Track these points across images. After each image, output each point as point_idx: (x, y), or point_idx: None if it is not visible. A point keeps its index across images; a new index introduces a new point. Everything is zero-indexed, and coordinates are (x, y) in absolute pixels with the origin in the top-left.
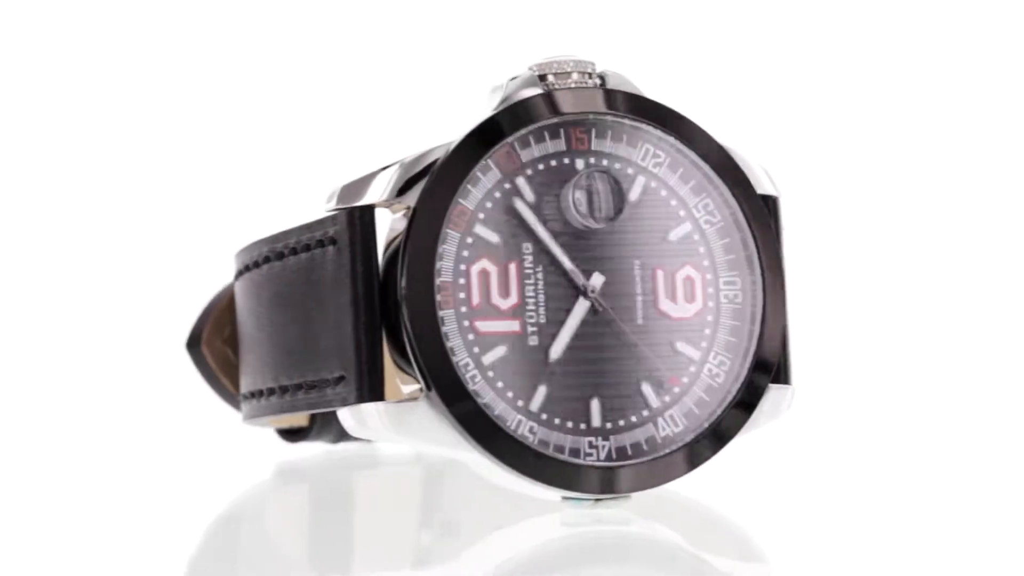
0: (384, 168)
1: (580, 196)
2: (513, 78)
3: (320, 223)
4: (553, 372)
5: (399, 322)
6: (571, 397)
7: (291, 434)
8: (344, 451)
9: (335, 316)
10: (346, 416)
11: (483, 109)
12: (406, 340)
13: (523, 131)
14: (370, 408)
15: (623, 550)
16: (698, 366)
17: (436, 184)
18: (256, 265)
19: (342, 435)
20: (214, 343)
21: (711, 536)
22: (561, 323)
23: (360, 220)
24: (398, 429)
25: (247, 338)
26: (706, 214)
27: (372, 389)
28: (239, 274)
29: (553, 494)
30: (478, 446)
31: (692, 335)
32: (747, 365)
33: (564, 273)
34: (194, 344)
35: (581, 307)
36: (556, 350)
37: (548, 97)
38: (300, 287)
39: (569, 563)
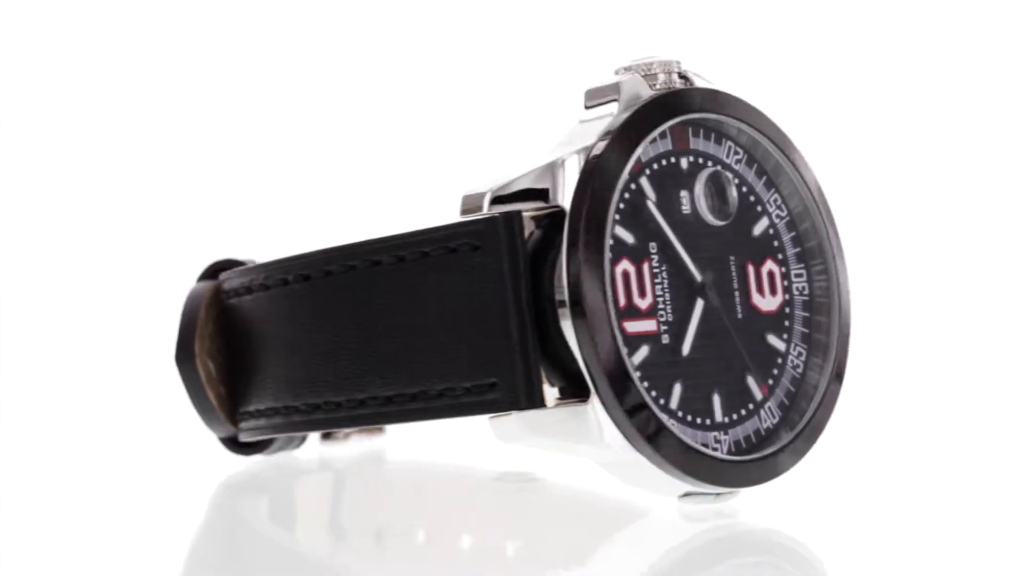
0: (523, 175)
1: (702, 195)
2: (618, 80)
3: (447, 229)
4: (684, 369)
5: (546, 326)
6: (698, 394)
7: (248, 446)
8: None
9: (480, 322)
10: (501, 423)
11: (582, 112)
12: (569, 344)
13: (654, 133)
14: (533, 415)
15: (759, 544)
16: (783, 358)
17: (588, 187)
18: (326, 275)
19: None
20: (203, 357)
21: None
22: (685, 320)
23: (510, 225)
24: (555, 434)
25: (289, 351)
26: (776, 208)
27: (532, 396)
28: (268, 288)
29: (681, 490)
30: (647, 446)
31: (778, 327)
32: (830, 359)
33: (685, 271)
34: (187, 358)
35: (699, 304)
36: (686, 347)
37: (661, 99)
38: (413, 294)
39: (727, 555)
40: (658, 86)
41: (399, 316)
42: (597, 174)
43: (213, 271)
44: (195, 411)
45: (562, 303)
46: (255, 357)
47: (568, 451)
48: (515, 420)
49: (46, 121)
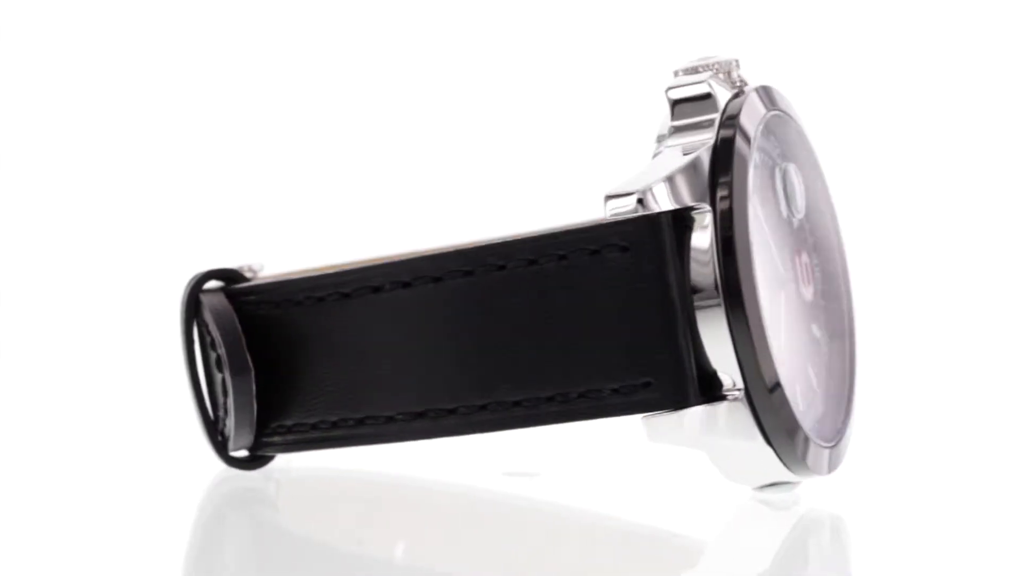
0: (668, 177)
1: (786, 191)
2: (707, 79)
3: (589, 231)
4: (783, 360)
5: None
6: (789, 384)
7: (256, 460)
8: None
9: (632, 323)
10: (658, 422)
11: (664, 110)
12: (710, 342)
13: (756, 131)
14: (691, 413)
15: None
16: (820, 346)
17: (734, 187)
18: (434, 281)
19: None
20: None
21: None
22: (779, 313)
23: (660, 226)
24: (710, 431)
25: (378, 360)
26: (801, 198)
27: (690, 394)
28: (348, 296)
29: (775, 480)
30: (788, 441)
31: (816, 317)
32: (846, 345)
33: (776, 264)
34: (244, 371)
35: (783, 296)
36: (782, 338)
37: (755, 97)
38: (546, 298)
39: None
40: (732, 86)
41: (528, 321)
42: (738, 175)
43: (213, 279)
44: (210, 423)
45: (713, 302)
46: (309, 368)
47: (707, 446)
48: (675, 418)
49: (43, 122)
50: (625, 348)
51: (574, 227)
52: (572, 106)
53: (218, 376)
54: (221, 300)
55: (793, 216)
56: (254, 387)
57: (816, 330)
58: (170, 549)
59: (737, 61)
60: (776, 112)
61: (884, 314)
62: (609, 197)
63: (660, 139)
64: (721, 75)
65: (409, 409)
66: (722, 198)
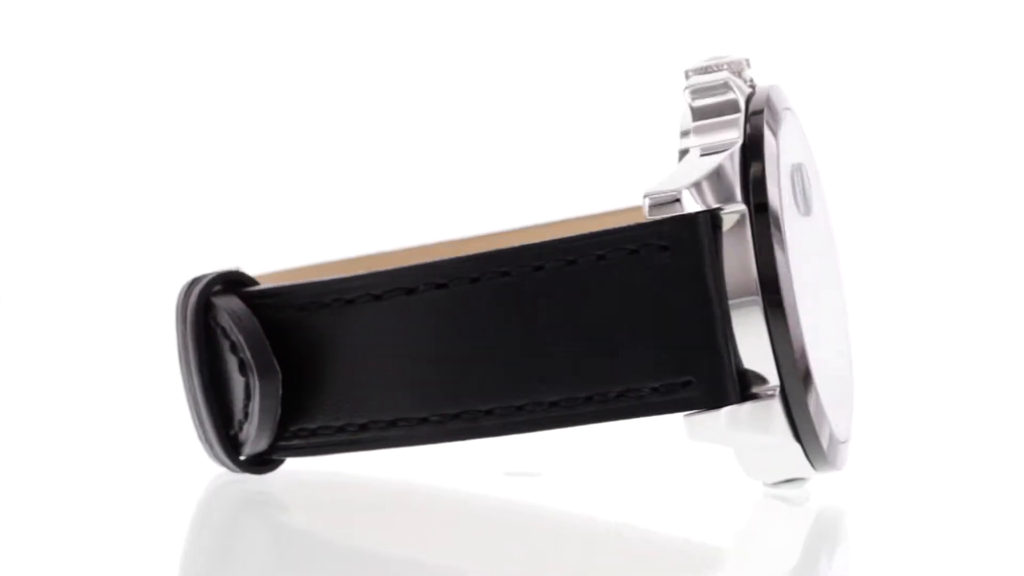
0: (705, 177)
1: (804, 189)
2: (727, 79)
3: (628, 231)
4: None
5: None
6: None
7: (263, 464)
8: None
9: (673, 322)
10: (700, 421)
11: (682, 108)
12: (745, 340)
13: (779, 128)
14: (732, 411)
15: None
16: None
17: (768, 185)
18: (471, 282)
19: None
20: None
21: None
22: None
23: (706, 225)
24: (745, 428)
25: (412, 362)
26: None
27: (731, 393)
28: (380, 298)
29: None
30: (816, 439)
31: None
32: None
33: (799, 262)
34: (273, 374)
35: (808, 292)
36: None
37: (771, 94)
38: (585, 298)
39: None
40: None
41: (568, 321)
42: (770, 173)
43: (224, 282)
44: (221, 425)
45: (751, 300)
46: (336, 371)
47: (738, 443)
48: (717, 417)
49: (38, 121)
50: (664, 347)
51: (615, 228)
52: (571, 105)
53: (238, 379)
54: (238, 303)
55: (807, 214)
56: (281, 390)
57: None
58: (189, 553)
59: (748, 60)
60: (787, 108)
61: (881, 312)
62: (648, 196)
63: (685, 134)
64: (733, 74)
65: (443, 411)
66: (757, 196)
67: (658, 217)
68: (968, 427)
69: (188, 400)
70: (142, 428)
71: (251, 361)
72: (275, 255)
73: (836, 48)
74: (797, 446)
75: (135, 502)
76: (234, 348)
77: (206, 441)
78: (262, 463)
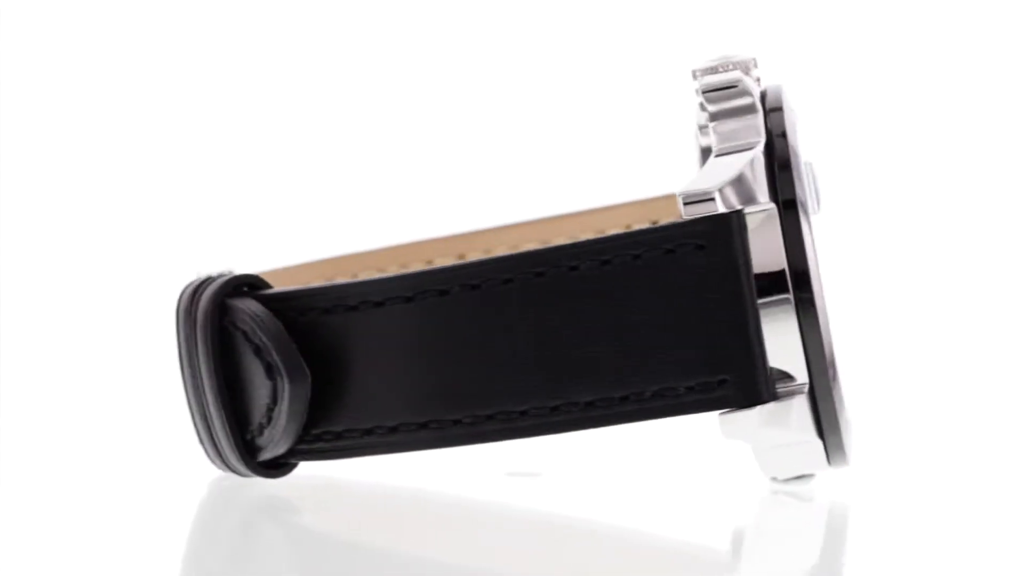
0: (737, 176)
1: (812, 187)
2: (742, 78)
3: (664, 231)
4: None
5: None
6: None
7: (277, 468)
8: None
9: (709, 321)
10: (735, 419)
11: (694, 105)
12: (773, 337)
13: (794, 125)
14: (767, 409)
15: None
16: None
17: (795, 183)
18: (504, 283)
19: None
20: None
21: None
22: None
23: (739, 224)
24: (778, 426)
25: (444, 364)
26: None
27: (766, 390)
28: (411, 299)
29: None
30: (838, 434)
31: None
32: None
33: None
34: (303, 378)
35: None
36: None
37: (777, 91)
38: (620, 298)
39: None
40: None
41: (603, 321)
42: (795, 170)
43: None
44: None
45: (783, 299)
46: (365, 373)
47: (764, 440)
48: (751, 415)
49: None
50: (699, 346)
51: (651, 228)
52: (559, 102)
53: (263, 383)
54: (258, 306)
55: (816, 212)
56: (310, 393)
57: None
58: (211, 558)
59: (755, 60)
60: (791, 107)
61: (876, 310)
62: (683, 196)
63: (703, 132)
64: (753, 71)
65: (477, 412)
66: (785, 194)
67: (694, 216)
68: (966, 418)
69: (191, 404)
70: (135, 431)
71: (280, 364)
72: (262, 254)
73: (820, 48)
74: (819, 442)
75: (142, 507)
76: (258, 351)
77: (213, 445)
78: (276, 467)
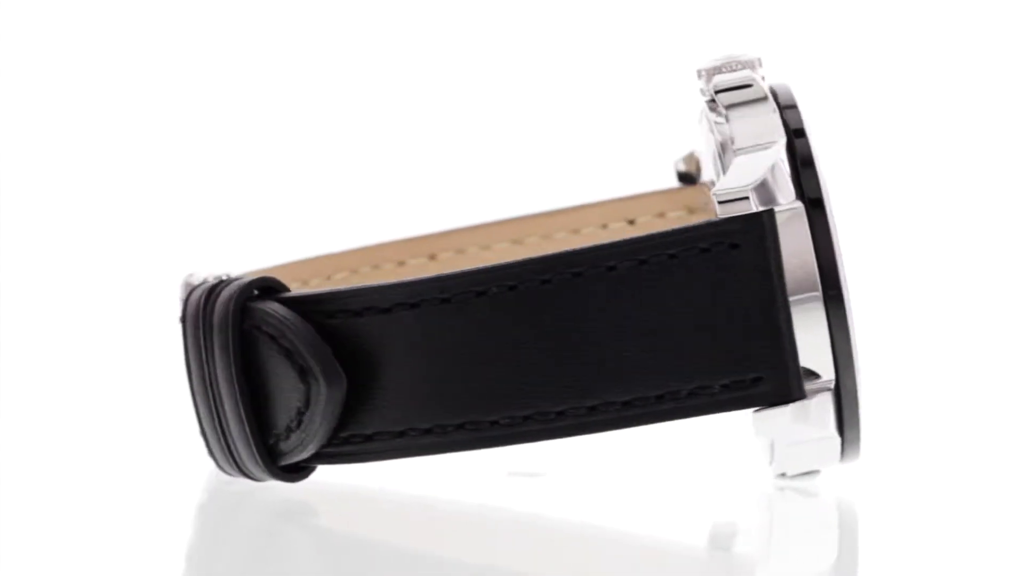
0: (766, 175)
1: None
2: (756, 78)
3: (700, 229)
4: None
5: None
6: None
7: (297, 472)
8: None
9: (742, 319)
10: (769, 416)
11: (703, 105)
12: (823, 334)
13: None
14: (800, 406)
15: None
16: None
17: (820, 182)
18: (541, 284)
19: None
20: None
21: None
22: None
23: (771, 222)
24: (805, 423)
25: (476, 365)
26: None
27: (799, 387)
28: (448, 301)
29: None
30: (856, 428)
31: None
32: None
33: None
34: (340, 382)
35: None
36: None
37: (788, 89)
38: (656, 297)
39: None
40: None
41: (640, 320)
42: (818, 169)
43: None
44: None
45: (813, 296)
46: (399, 376)
47: (793, 438)
48: (784, 413)
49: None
50: (734, 344)
51: (687, 227)
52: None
53: (294, 387)
54: (284, 308)
55: None
56: (344, 396)
57: None
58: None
59: (759, 60)
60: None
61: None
62: (717, 195)
63: (720, 128)
64: (759, 69)
65: (514, 413)
66: (812, 191)
67: (728, 215)
68: (963, 410)
69: (200, 410)
70: (132, 435)
71: (316, 368)
72: (226, 255)
73: (801, 48)
74: (838, 439)
75: (151, 514)
76: (289, 355)
77: (227, 451)
78: (296, 471)
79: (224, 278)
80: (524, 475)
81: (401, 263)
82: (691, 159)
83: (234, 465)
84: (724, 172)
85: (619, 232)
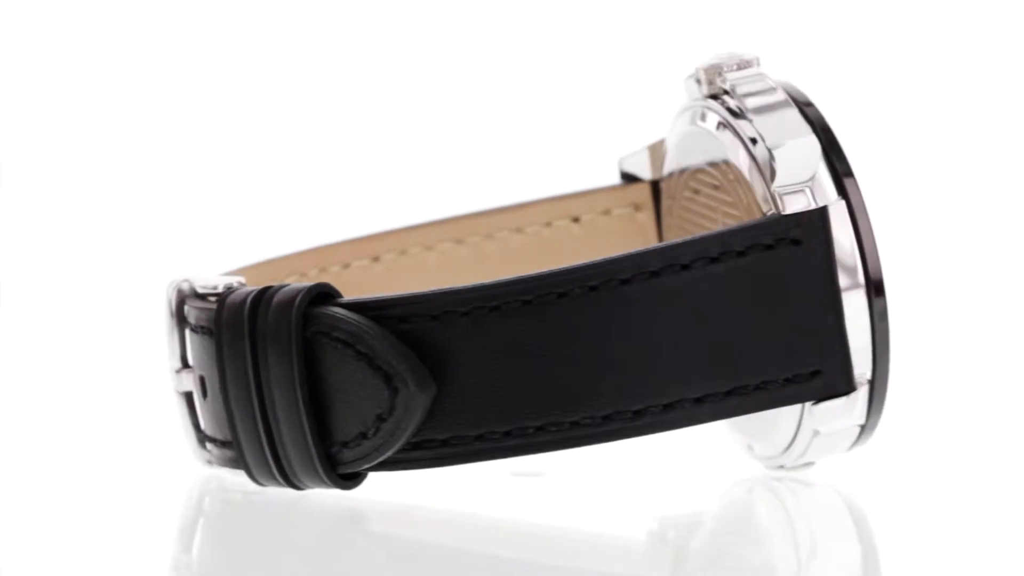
0: (816, 172)
1: None
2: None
3: (768, 226)
4: None
5: None
6: None
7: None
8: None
9: (802, 314)
10: (827, 408)
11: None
12: (865, 328)
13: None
14: (852, 397)
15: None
16: None
17: (853, 180)
18: (621, 283)
19: None
20: None
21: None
22: None
23: (825, 219)
24: (850, 415)
25: (550, 366)
26: None
27: (852, 380)
28: (530, 303)
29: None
30: (877, 416)
31: None
32: None
33: None
34: (430, 387)
35: None
36: None
37: (792, 88)
38: (725, 294)
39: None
40: None
41: (712, 317)
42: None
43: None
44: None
45: (859, 290)
46: (480, 380)
47: (837, 427)
48: (840, 404)
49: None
50: (795, 338)
51: (756, 224)
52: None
53: (376, 393)
54: (356, 314)
55: None
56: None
57: None
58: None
59: (758, 58)
60: None
61: None
62: (780, 191)
63: (747, 123)
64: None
65: (593, 413)
66: (852, 189)
67: (793, 212)
68: (945, 400)
69: (240, 417)
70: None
71: (406, 373)
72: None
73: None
74: (858, 431)
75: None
76: (371, 360)
77: (274, 460)
78: (352, 478)
79: (236, 285)
80: (526, 475)
81: (346, 265)
82: (657, 150)
83: (277, 474)
84: (772, 167)
85: (563, 230)
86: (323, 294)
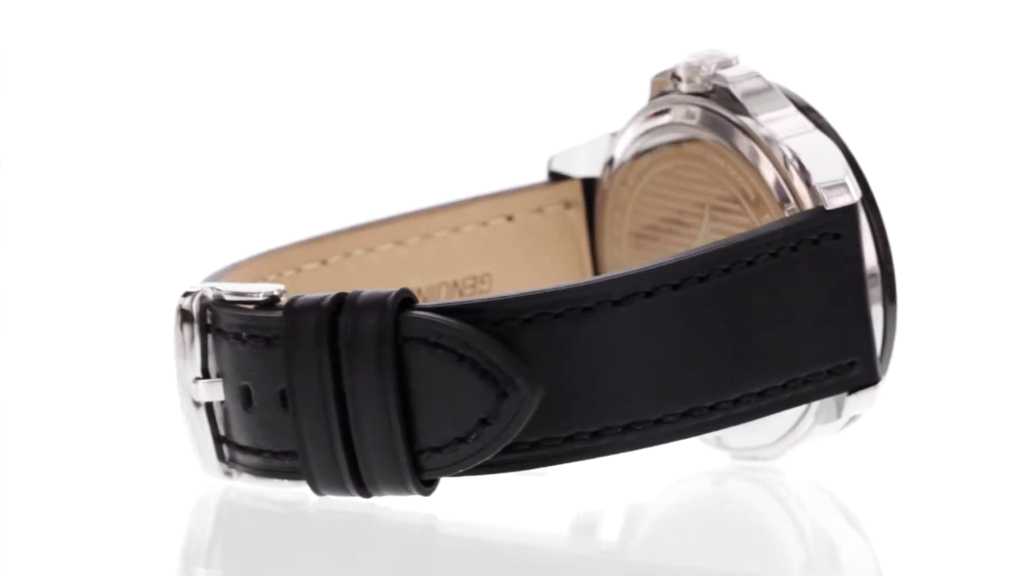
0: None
1: None
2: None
3: (814, 222)
4: None
5: None
6: None
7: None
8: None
9: (841, 307)
10: (861, 397)
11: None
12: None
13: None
14: (880, 386)
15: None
16: None
17: (864, 177)
18: (699, 280)
19: None
20: None
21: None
22: None
23: (859, 212)
24: (873, 404)
25: (639, 365)
26: None
27: (877, 368)
28: (619, 303)
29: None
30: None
31: None
32: None
33: None
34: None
35: None
36: None
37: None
38: (782, 288)
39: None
40: None
41: (771, 312)
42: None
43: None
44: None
45: (878, 287)
46: (569, 381)
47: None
48: (871, 393)
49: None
50: (836, 330)
51: (802, 219)
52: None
53: (478, 397)
54: (451, 319)
55: None
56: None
57: None
58: None
59: (737, 57)
60: None
61: None
62: (821, 186)
63: (755, 121)
64: None
65: (674, 411)
66: (864, 186)
67: (835, 206)
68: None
69: (313, 428)
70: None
71: (516, 377)
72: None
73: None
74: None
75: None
76: (474, 364)
77: (350, 469)
78: (430, 483)
79: (276, 293)
80: (528, 474)
81: (298, 269)
82: (596, 147)
83: (349, 482)
84: (801, 164)
85: (499, 229)
86: (407, 300)
